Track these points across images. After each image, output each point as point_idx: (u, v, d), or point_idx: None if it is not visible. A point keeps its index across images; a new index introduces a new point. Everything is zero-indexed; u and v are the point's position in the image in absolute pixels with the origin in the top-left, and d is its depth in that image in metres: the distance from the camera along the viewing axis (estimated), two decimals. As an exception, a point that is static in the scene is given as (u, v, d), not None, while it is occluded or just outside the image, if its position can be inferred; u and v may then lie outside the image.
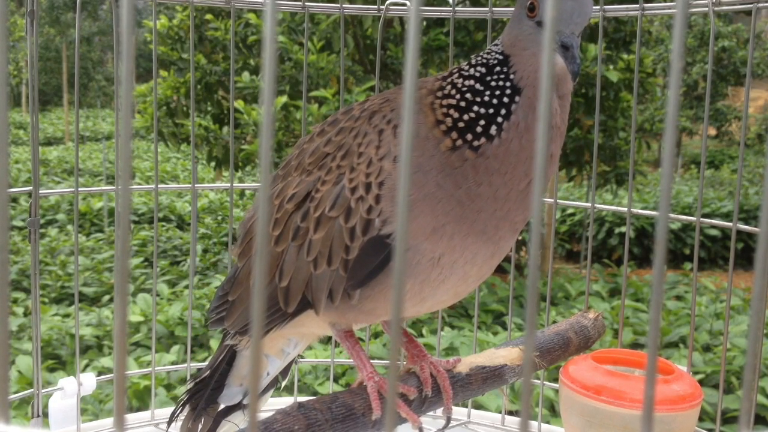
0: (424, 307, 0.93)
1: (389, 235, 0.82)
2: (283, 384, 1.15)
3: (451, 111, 0.84)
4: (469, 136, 0.82)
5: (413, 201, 0.82)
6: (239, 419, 1.10)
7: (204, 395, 1.07)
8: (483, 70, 0.86)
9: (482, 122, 0.83)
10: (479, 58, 0.87)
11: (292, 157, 0.95)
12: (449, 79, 0.87)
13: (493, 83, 0.84)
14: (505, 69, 0.84)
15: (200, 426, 1.09)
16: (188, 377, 1.41)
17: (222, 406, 1.09)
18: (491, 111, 0.83)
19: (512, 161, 0.82)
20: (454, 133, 0.83)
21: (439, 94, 0.86)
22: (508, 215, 0.85)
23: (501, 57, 0.85)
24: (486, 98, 0.84)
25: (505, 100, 0.83)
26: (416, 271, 0.85)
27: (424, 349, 1.01)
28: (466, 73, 0.86)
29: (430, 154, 0.82)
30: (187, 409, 1.09)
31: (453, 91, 0.85)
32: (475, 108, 0.83)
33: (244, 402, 1.09)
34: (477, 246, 0.86)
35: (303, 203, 0.89)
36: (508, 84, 0.84)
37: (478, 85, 0.84)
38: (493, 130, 0.82)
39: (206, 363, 1.13)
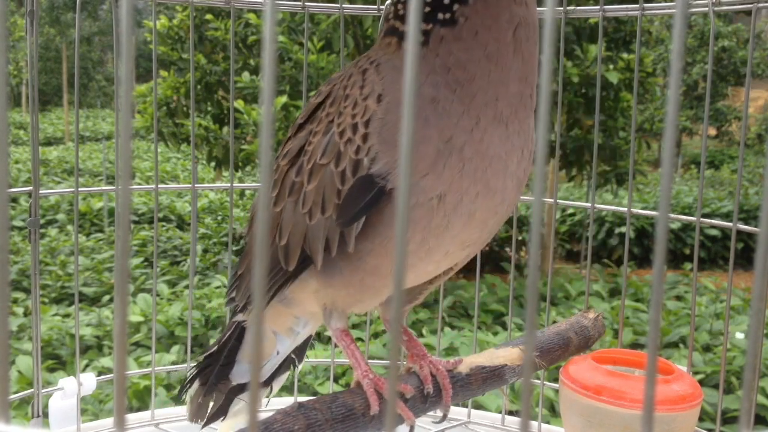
0: (431, 262, 0.88)
1: (379, 174, 0.80)
2: (300, 367, 1.14)
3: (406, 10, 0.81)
4: (440, 14, 0.79)
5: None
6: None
7: (214, 370, 1.06)
8: None
9: None
10: None
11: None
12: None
13: None
14: None
15: (211, 402, 1.08)
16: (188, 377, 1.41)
17: (233, 383, 1.08)
18: None
19: (493, 15, 0.78)
20: (422, 24, 0.79)
21: (390, 16, 0.84)
22: (507, 82, 0.80)
23: None
24: None
25: None
26: (416, 216, 0.81)
27: (424, 348, 1.01)
28: None
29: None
30: (197, 383, 1.08)
31: None
32: None
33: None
34: (495, 146, 0.81)
35: (297, 158, 0.87)
36: None
37: None
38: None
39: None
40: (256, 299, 0.35)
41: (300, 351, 1.12)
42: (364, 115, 0.81)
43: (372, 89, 0.81)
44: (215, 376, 1.06)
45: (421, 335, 4.11)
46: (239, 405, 1.10)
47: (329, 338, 1.10)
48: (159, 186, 1.32)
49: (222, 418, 1.10)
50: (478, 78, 0.79)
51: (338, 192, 0.82)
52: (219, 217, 7.68)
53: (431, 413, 1.03)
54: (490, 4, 0.79)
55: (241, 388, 1.09)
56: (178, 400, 1.11)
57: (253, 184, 1.55)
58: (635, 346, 4.09)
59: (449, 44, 0.79)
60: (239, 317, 1.04)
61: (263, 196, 0.35)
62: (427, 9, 0.79)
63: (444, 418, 1.01)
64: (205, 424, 1.10)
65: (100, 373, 1.51)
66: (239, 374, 1.08)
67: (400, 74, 0.80)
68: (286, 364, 1.12)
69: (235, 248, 6.33)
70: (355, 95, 0.83)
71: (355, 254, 0.84)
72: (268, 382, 1.12)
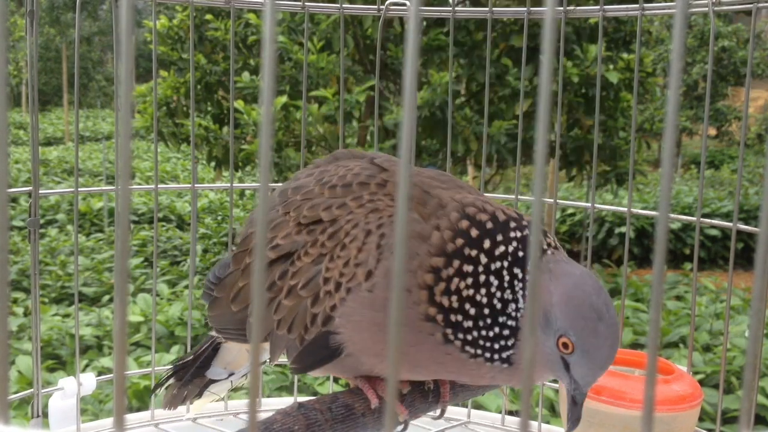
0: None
1: (337, 338, 0.84)
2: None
3: (464, 323, 0.81)
4: (479, 351, 0.81)
5: (373, 344, 0.83)
6: (224, 388, 1.12)
7: (190, 370, 1.10)
8: (499, 294, 0.81)
9: (502, 343, 0.80)
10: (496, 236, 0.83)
11: (305, 183, 0.95)
12: (451, 265, 0.81)
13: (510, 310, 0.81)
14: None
15: (185, 393, 1.11)
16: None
17: (208, 379, 1.11)
18: (508, 342, 0.81)
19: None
20: (460, 338, 0.81)
21: (438, 289, 0.81)
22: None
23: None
24: (508, 325, 0.81)
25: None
26: (356, 367, 0.88)
27: None
28: (483, 262, 0.81)
29: (417, 340, 0.81)
30: (172, 380, 1.12)
31: (462, 289, 0.81)
32: (496, 329, 0.81)
33: (232, 378, 1.11)
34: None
35: (284, 261, 0.89)
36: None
37: (496, 291, 0.81)
38: (503, 355, 0.81)
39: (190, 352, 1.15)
40: (254, 333, 0.35)
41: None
42: (350, 281, 0.83)
43: (366, 259, 0.82)
44: (191, 374, 1.09)
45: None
46: (209, 396, 1.14)
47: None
48: (159, 186, 1.33)
49: (196, 399, 1.14)
50: (432, 366, 0.85)
51: (306, 327, 0.86)
52: (219, 217, 7.68)
53: (430, 413, 1.03)
54: None
55: (215, 381, 1.12)
56: (157, 392, 1.14)
57: (253, 185, 1.55)
58: (635, 346, 4.09)
59: (469, 362, 0.83)
60: (214, 333, 1.06)
61: (263, 196, 0.35)
62: (482, 342, 0.81)
63: (442, 414, 1.02)
64: (180, 405, 1.14)
65: (100, 373, 1.51)
66: (214, 374, 1.11)
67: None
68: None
69: (235, 248, 6.31)
70: (350, 254, 0.84)
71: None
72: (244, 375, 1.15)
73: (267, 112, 0.34)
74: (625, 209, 1.30)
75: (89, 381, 1.31)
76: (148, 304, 4.51)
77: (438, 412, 1.00)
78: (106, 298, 5.15)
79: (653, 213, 1.33)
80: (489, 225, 0.82)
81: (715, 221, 1.27)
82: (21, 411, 3.06)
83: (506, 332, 0.80)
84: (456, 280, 0.80)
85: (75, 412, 1.28)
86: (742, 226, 1.18)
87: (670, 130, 0.33)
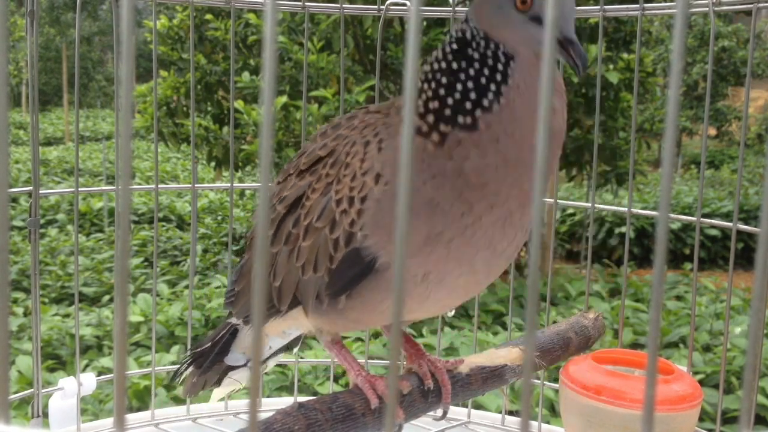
0: (411, 317, 0.95)
1: (368, 249, 0.83)
2: (296, 350, 1.18)
3: (430, 104, 0.81)
4: (461, 118, 0.80)
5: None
6: (244, 376, 1.13)
7: (209, 358, 1.11)
8: (456, 46, 0.82)
9: (472, 96, 0.79)
10: (447, 41, 0.84)
11: (292, 161, 0.97)
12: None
13: (476, 55, 0.80)
14: (491, 44, 0.81)
15: (205, 381, 1.13)
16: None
17: (227, 365, 1.13)
18: (482, 80, 0.79)
19: (518, 125, 0.79)
20: (441, 125, 0.80)
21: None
22: (521, 182, 0.81)
23: (480, 34, 0.82)
24: (471, 71, 0.80)
25: (500, 66, 0.80)
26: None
27: (422, 348, 1.01)
28: (435, 63, 0.83)
29: (420, 167, 0.80)
30: (191, 368, 1.13)
31: (424, 86, 0.82)
32: (459, 87, 0.80)
33: (249, 364, 1.12)
34: (484, 241, 0.83)
35: (294, 208, 0.91)
36: (500, 51, 0.80)
37: (455, 64, 0.81)
38: (487, 99, 0.79)
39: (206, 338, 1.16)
40: (254, 323, 0.35)
41: (295, 340, 1.16)
42: (361, 191, 0.83)
43: (371, 166, 0.83)
44: (210, 361, 1.11)
45: (420, 335, 4.11)
46: (228, 382, 1.15)
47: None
48: (159, 186, 1.33)
49: (215, 387, 1.16)
50: (492, 183, 0.80)
51: (330, 257, 0.86)
52: (219, 217, 7.68)
53: (431, 413, 1.03)
54: (517, 111, 0.79)
55: (234, 367, 1.14)
56: (176, 383, 1.16)
57: (253, 184, 1.55)
58: (635, 346, 4.09)
59: (466, 149, 0.80)
60: (233, 320, 1.08)
61: (263, 196, 0.35)
62: (448, 111, 0.80)
63: (444, 415, 1.02)
64: (201, 391, 1.16)
65: (100, 373, 1.51)
66: (233, 360, 1.12)
67: (392, 153, 0.83)
68: (282, 349, 1.16)
69: (235, 248, 6.33)
70: (355, 168, 0.85)
71: (340, 307, 0.89)
72: (263, 361, 1.17)
73: (267, 112, 0.34)
74: (625, 209, 1.30)
75: (89, 381, 1.31)
76: (148, 304, 4.51)
77: (440, 412, 1.01)
78: (106, 298, 5.15)
79: (653, 213, 1.33)
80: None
81: (715, 221, 1.27)
82: (21, 411, 3.06)
83: (467, 80, 0.80)
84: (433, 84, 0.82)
85: (75, 412, 1.28)
86: (742, 226, 1.18)
87: (670, 130, 0.33)
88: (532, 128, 0.79)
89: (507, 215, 0.83)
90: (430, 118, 0.81)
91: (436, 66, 0.83)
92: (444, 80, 0.81)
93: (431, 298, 0.87)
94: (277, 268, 0.92)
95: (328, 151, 0.89)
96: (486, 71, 0.80)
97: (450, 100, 0.80)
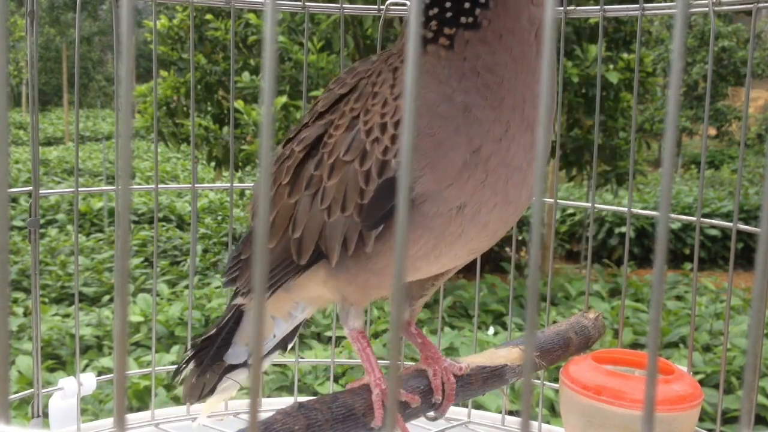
0: (438, 265, 0.89)
1: None
2: (290, 347, 1.14)
3: (429, 11, 0.80)
4: (463, 18, 0.79)
5: (442, 138, 0.78)
6: (242, 377, 1.09)
7: (210, 352, 1.07)
8: None
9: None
10: None
11: (305, 115, 0.93)
12: None
13: None
14: None
15: (204, 385, 1.09)
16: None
17: (227, 364, 1.09)
18: None
19: (516, 19, 0.79)
20: (445, 28, 0.79)
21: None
22: (531, 82, 0.80)
23: None
24: None
25: None
26: (433, 224, 0.81)
27: (439, 351, 1.00)
28: None
29: (441, 78, 0.78)
30: (192, 365, 1.09)
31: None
32: None
33: (249, 362, 1.08)
34: (518, 147, 0.80)
35: (314, 149, 0.86)
36: None
37: None
38: None
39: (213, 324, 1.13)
40: (256, 300, 0.35)
41: (292, 332, 1.12)
42: (395, 116, 0.80)
43: (403, 89, 0.79)
44: (210, 357, 1.07)
45: (421, 335, 4.10)
46: (227, 383, 1.10)
47: (329, 338, 1.11)
48: (159, 186, 1.33)
49: (209, 396, 1.11)
50: (506, 81, 0.79)
51: (361, 192, 0.81)
52: (219, 217, 7.67)
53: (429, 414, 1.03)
54: (510, 7, 0.79)
55: (233, 367, 1.10)
56: (175, 382, 1.13)
57: (253, 184, 1.55)
58: (635, 346, 4.09)
59: (475, 47, 0.78)
60: (238, 300, 1.04)
61: (263, 198, 0.35)
62: (449, 13, 0.79)
63: (435, 419, 1.02)
64: (197, 401, 1.12)
65: (100, 373, 1.51)
66: (234, 355, 1.08)
67: (431, 78, 0.80)
68: (278, 345, 1.12)
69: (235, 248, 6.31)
70: (385, 94, 0.81)
71: (365, 254, 0.84)
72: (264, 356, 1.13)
73: (267, 112, 0.34)
74: (625, 209, 1.30)
75: (89, 381, 1.31)
76: (148, 304, 4.51)
77: (432, 416, 1.00)
78: (106, 298, 5.15)
79: (653, 213, 1.33)
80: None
81: (715, 221, 1.27)
82: (21, 411, 3.06)
83: None
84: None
85: (75, 412, 1.28)
86: (742, 226, 1.18)
87: (670, 130, 0.33)
88: (529, 21, 0.79)
89: (530, 123, 0.81)
90: (433, 24, 0.80)
91: None
92: None
93: (462, 238, 0.83)
94: (297, 217, 0.86)
95: (350, 88, 0.86)
96: None
97: (448, 3, 0.79)
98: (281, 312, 1.05)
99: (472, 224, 0.82)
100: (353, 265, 0.85)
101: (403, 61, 0.82)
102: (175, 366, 1.17)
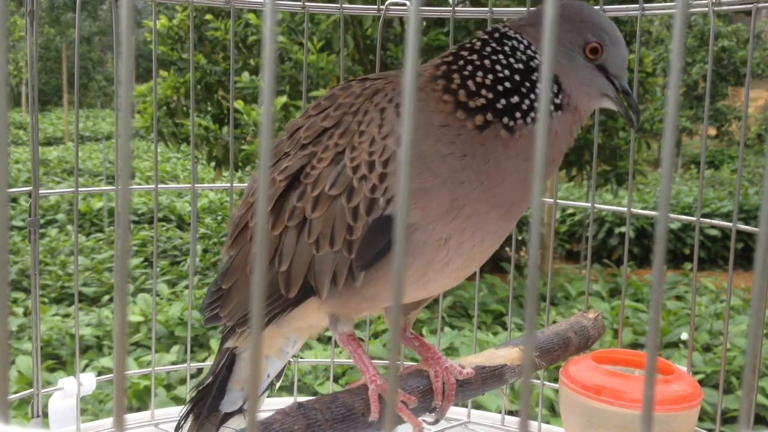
0: (426, 291, 0.92)
1: (394, 214, 0.81)
2: (278, 385, 1.14)
3: (483, 90, 0.83)
4: (506, 119, 0.83)
5: (429, 187, 0.81)
6: (237, 423, 1.08)
7: (206, 403, 1.06)
8: (508, 49, 0.86)
9: (525, 104, 0.83)
10: (493, 41, 0.87)
11: (282, 139, 0.92)
12: (458, 62, 0.86)
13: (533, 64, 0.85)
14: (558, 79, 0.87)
15: None
16: (188, 377, 1.41)
17: (223, 413, 1.08)
18: (533, 96, 0.84)
19: (561, 128, 0.87)
20: (489, 113, 0.83)
21: (455, 76, 0.84)
22: (525, 196, 0.86)
23: (532, 51, 0.86)
24: (527, 82, 0.84)
25: (557, 100, 0.86)
26: (422, 253, 0.83)
27: (438, 351, 1.00)
28: (487, 52, 0.86)
29: (450, 140, 0.82)
30: (190, 419, 1.08)
31: (477, 72, 0.85)
32: (521, 93, 0.84)
33: (244, 407, 1.07)
34: (490, 224, 0.86)
35: (296, 180, 0.86)
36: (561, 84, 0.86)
37: (514, 64, 0.85)
38: (534, 117, 0.83)
39: (208, 366, 1.12)
40: (254, 321, 0.35)
41: (279, 372, 1.12)
42: (383, 155, 0.82)
43: (392, 129, 0.82)
44: (207, 408, 1.06)
45: (420, 335, 4.10)
46: (230, 426, 1.09)
47: (329, 338, 1.11)
48: (159, 186, 1.33)
49: None
50: (509, 182, 0.84)
51: (349, 228, 0.82)
52: (219, 217, 7.67)
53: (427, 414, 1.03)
54: (564, 122, 0.87)
55: (229, 416, 1.08)
56: (175, 385, 1.11)
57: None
58: (635, 346, 4.09)
59: (500, 146, 0.83)
60: (230, 343, 1.03)
61: (263, 196, 0.35)
62: (500, 106, 0.83)
63: (436, 421, 1.02)
64: None
65: (100, 373, 1.51)
66: (229, 403, 1.07)
67: (436, 131, 0.83)
68: (268, 386, 1.11)
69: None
70: (373, 133, 0.83)
71: (358, 285, 0.86)
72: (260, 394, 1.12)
73: (267, 112, 0.34)
74: (625, 209, 1.30)
75: (89, 381, 1.31)
76: (148, 304, 4.51)
77: (432, 419, 1.00)
78: (106, 298, 5.15)
79: (653, 213, 1.33)
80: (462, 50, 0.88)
81: (715, 221, 1.27)
82: (21, 411, 3.06)
83: (525, 90, 0.84)
84: (462, 69, 0.85)
85: (75, 412, 1.28)
86: (742, 226, 1.18)
87: (670, 130, 0.33)
88: (565, 141, 0.87)
89: (513, 205, 0.87)
90: (480, 101, 0.83)
91: (503, 60, 0.85)
92: (507, 74, 0.84)
93: (449, 266, 0.87)
94: (283, 251, 0.86)
95: (334, 122, 0.86)
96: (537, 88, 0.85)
97: (504, 100, 0.83)
98: (273, 350, 1.05)
99: (457, 254, 0.86)
100: (345, 292, 0.87)
101: (391, 101, 0.85)
102: (176, 366, 1.16)
